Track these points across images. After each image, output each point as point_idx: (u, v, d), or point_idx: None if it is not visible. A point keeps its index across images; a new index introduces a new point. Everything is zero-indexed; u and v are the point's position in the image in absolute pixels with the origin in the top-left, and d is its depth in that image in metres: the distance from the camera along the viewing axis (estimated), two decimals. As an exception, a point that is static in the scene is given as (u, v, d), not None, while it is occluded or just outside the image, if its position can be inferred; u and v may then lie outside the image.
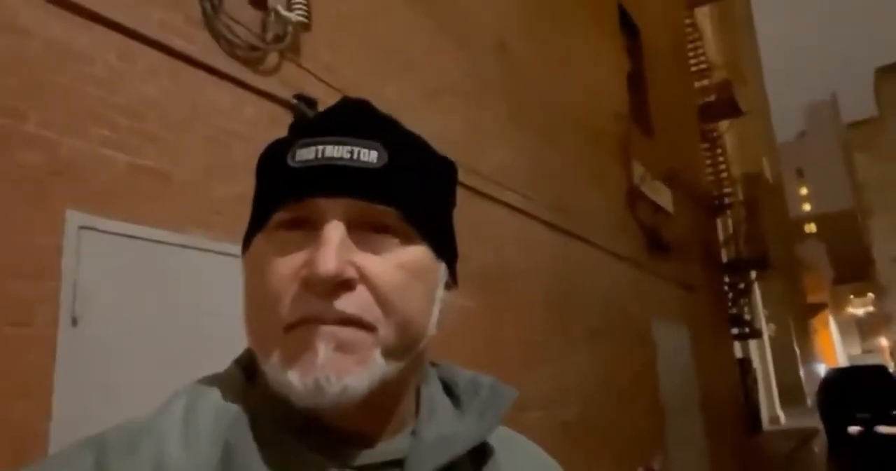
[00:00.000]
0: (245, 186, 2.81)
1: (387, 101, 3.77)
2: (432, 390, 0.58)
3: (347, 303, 0.48)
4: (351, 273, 0.48)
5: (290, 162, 0.51)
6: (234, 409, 0.50)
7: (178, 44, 2.54)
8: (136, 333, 2.21)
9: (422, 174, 0.54)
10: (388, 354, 0.49)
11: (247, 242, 0.55)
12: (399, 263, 0.50)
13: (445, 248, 0.56)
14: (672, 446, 7.39)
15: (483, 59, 4.88)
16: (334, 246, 0.47)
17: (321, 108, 3.30)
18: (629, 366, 6.67)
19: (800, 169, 71.61)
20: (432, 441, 0.53)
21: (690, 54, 12.72)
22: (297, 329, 0.47)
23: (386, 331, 0.49)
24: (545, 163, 5.57)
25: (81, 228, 2.12)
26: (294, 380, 0.46)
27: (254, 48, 2.93)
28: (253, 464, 0.47)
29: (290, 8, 3.05)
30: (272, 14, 3.00)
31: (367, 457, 0.51)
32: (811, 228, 64.09)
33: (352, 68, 3.39)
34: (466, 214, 4.45)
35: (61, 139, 2.11)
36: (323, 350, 0.46)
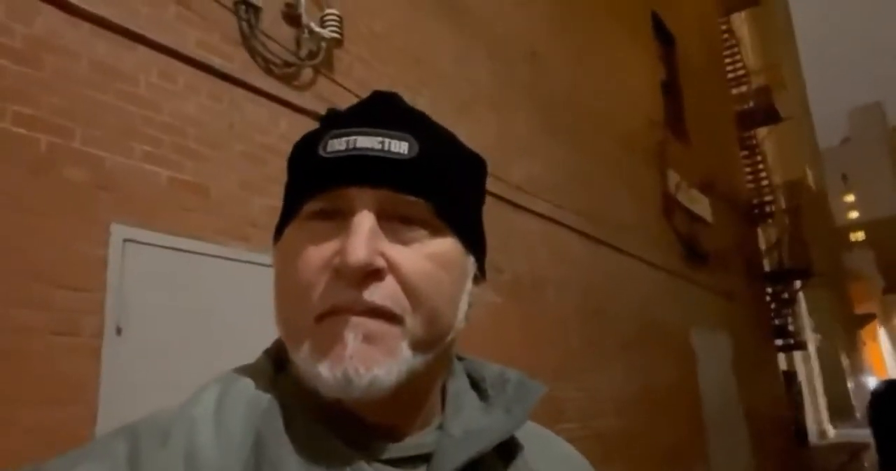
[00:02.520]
0: (280, 199, 2.88)
1: (432, 109, 3.81)
2: (459, 385, 0.58)
3: (376, 293, 0.48)
4: (380, 263, 0.48)
5: (321, 152, 0.51)
6: (265, 399, 0.51)
7: (217, 62, 2.63)
8: (177, 342, 2.28)
9: (452, 167, 0.54)
10: (416, 346, 0.49)
11: (278, 233, 0.55)
12: (428, 254, 0.50)
13: (474, 241, 0.56)
14: (715, 459, 7.22)
15: (514, 69, 4.90)
16: (365, 235, 0.47)
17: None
18: (667, 377, 6.55)
19: (845, 175, 69.60)
20: (459, 436, 0.52)
21: (727, 60, 12.54)
22: (326, 320, 0.48)
23: (413, 323, 0.49)
24: (578, 172, 5.55)
25: (126, 240, 2.20)
26: (324, 371, 0.47)
27: (288, 64, 3.01)
28: (284, 454, 0.47)
29: (323, 25, 3.13)
30: (306, 31, 3.08)
31: (394, 451, 0.51)
32: (859, 235, 62.16)
33: (384, 82, 3.45)
34: (498, 224, 4.48)
35: (106, 155, 2.20)
36: (351, 341, 0.47)
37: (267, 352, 0.57)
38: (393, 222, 0.50)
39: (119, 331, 2.12)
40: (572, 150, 5.53)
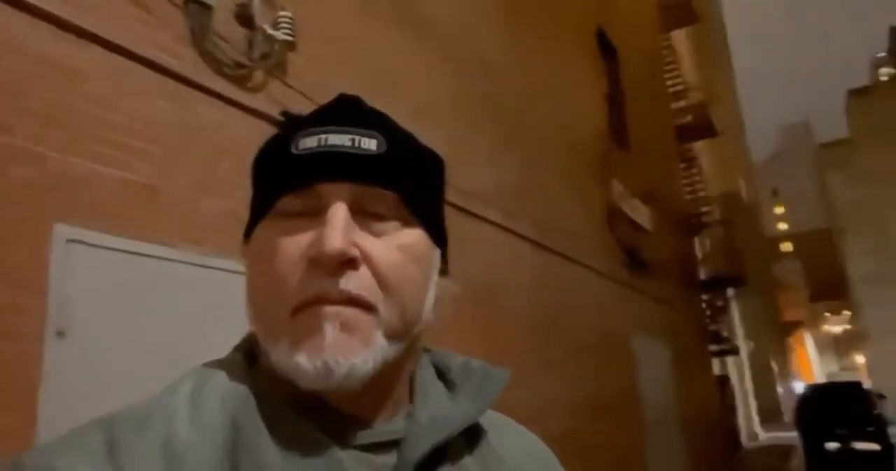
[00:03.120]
0: (233, 201, 2.85)
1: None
2: (426, 375, 0.60)
3: (352, 282, 0.49)
4: (355, 252, 0.50)
5: (293, 150, 0.52)
6: (241, 389, 0.52)
7: (168, 62, 2.58)
8: (123, 347, 2.22)
9: (417, 163, 0.57)
10: (390, 335, 0.51)
11: (248, 233, 0.56)
12: (399, 246, 0.52)
13: (440, 234, 0.59)
14: (653, 462, 7.43)
15: (468, 79, 4.97)
16: (340, 225, 0.49)
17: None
18: (613, 382, 6.72)
19: (775, 189, 72.88)
20: (427, 422, 0.55)
21: (668, 75, 13.00)
22: (303, 312, 0.49)
23: (386, 312, 0.51)
24: (530, 181, 5.66)
25: (69, 241, 2.13)
26: (303, 362, 0.48)
27: (241, 66, 2.98)
28: (261, 440, 0.48)
29: (276, 27, 3.11)
30: (259, 33, 3.05)
31: (365, 437, 0.53)
32: (787, 246, 65.06)
33: (337, 86, 3.43)
34: (454, 232, 4.48)
35: (52, 154, 2.13)
36: (329, 332, 0.48)
37: (237, 348, 0.58)
38: (364, 215, 0.52)
39: (61, 334, 2.05)
40: (524, 159, 5.64)
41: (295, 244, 0.50)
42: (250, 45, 3.05)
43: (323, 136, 0.52)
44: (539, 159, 5.97)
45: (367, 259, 0.50)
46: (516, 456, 0.62)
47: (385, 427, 0.55)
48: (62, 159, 2.15)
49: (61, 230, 2.12)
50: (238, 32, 3.01)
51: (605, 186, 7.68)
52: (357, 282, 0.50)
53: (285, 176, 0.52)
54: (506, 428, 0.65)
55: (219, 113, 2.80)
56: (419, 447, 0.52)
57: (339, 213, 0.50)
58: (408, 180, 0.54)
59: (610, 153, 8.01)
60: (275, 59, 3.12)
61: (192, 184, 2.59)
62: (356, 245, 0.50)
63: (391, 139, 0.54)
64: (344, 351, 0.48)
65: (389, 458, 0.53)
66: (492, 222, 4.85)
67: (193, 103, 2.69)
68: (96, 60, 2.33)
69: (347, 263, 0.49)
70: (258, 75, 3.08)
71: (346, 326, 0.49)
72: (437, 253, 0.58)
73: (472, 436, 0.58)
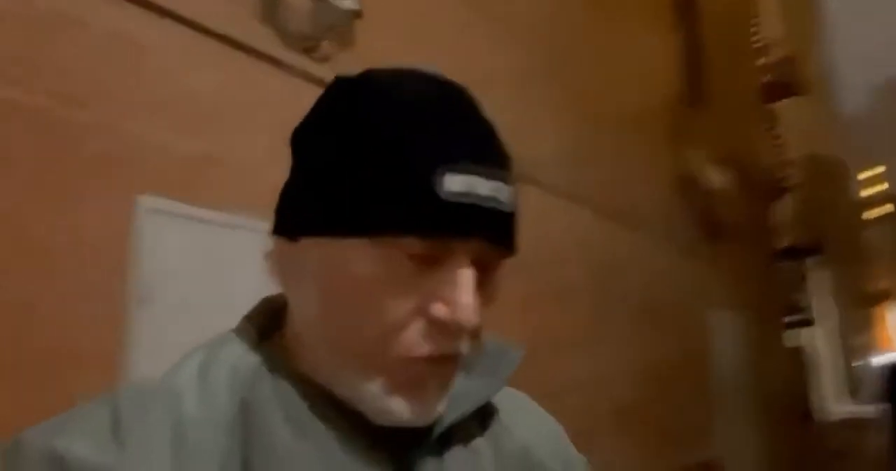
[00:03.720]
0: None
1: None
2: None
3: (466, 345, 0.50)
4: (480, 322, 0.49)
5: (437, 189, 0.46)
6: (252, 367, 0.51)
7: (239, 35, 2.64)
8: (203, 310, 2.34)
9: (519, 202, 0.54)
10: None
11: (318, 233, 0.49)
12: (487, 297, 0.51)
13: None
14: (721, 436, 7.31)
15: (532, 47, 4.85)
16: (473, 295, 0.48)
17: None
18: (681, 354, 6.61)
19: (869, 148, 68.43)
20: None
21: (751, 29, 12.26)
22: (413, 362, 0.48)
23: (466, 353, 0.51)
24: (595, 146, 5.52)
25: (151, 210, 2.25)
26: (400, 409, 0.49)
27: (308, 37, 3.01)
28: (271, 422, 0.48)
29: (344, -5, 3.11)
30: (325, 2, 3.06)
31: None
32: (887, 208, 61.19)
33: (402, 56, 3.43)
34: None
35: (131, 129, 2.23)
36: (433, 388, 0.50)
37: (248, 318, 0.56)
38: (480, 270, 0.49)
39: (144, 300, 2.19)
40: (590, 124, 5.49)
41: (414, 291, 0.48)
42: (317, 15, 3.07)
43: (471, 179, 0.47)
44: (606, 124, 5.80)
45: None
46: (528, 435, 0.61)
47: None
48: (138, 133, 2.25)
49: (143, 201, 2.24)
50: (306, 4, 3.03)
51: (677, 150, 7.41)
52: (467, 343, 0.50)
53: (427, 218, 0.46)
54: (519, 406, 0.65)
55: (287, 85, 2.85)
56: (434, 426, 0.52)
57: (470, 279, 0.48)
58: (518, 237, 0.52)
59: (683, 117, 7.69)
60: (341, 28, 3.13)
61: (263, 154, 2.67)
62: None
63: (514, 186, 0.51)
64: (440, 404, 0.51)
65: (403, 437, 0.52)
66: (552, 191, 4.78)
67: (264, 75, 2.75)
68: (166, 34, 2.40)
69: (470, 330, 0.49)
70: (325, 46, 3.10)
71: (445, 385, 0.51)
72: None
73: (483, 414, 0.58)
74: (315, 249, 0.50)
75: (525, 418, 0.63)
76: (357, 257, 0.48)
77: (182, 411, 0.47)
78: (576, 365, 4.58)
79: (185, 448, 0.45)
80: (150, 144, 2.28)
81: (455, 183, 0.46)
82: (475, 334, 0.50)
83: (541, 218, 4.53)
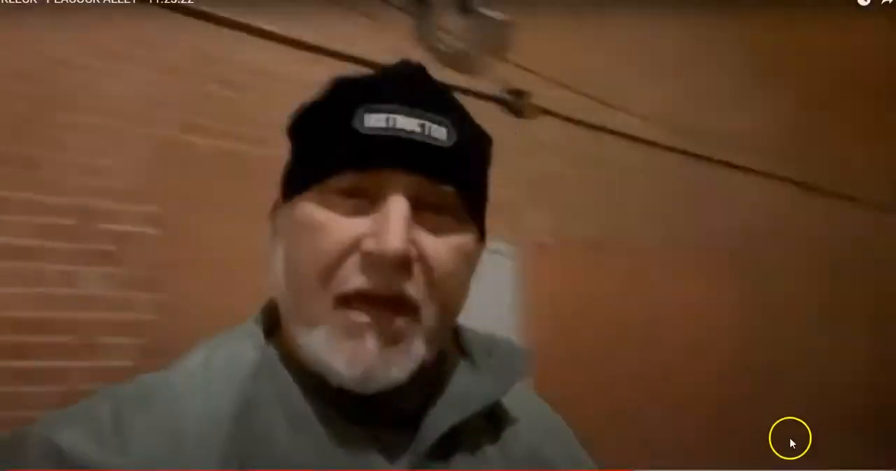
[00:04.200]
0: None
1: (611, 75, 3.70)
2: (448, 351, 0.58)
3: (404, 282, 0.47)
4: (413, 252, 0.47)
5: (357, 126, 0.49)
6: (253, 364, 0.51)
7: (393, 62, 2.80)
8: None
9: (478, 154, 0.54)
10: (429, 339, 0.49)
11: (287, 199, 0.53)
12: (455, 246, 0.50)
13: (484, 229, 0.56)
14: None
15: (718, 17, 4.52)
16: (402, 223, 0.46)
17: (533, 100, 3.37)
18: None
19: None
20: (447, 401, 0.52)
21: None
22: (349, 308, 0.47)
23: (427, 312, 0.49)
24: (797, 121, 4.96)
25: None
26: (340, 367, 0.47)
27: (463, 53, 3.10)
28: (270, 419, 0.48)
29: (491, 7, 3.17)
30: (477, 16, 3.14)
31: (381, 415, 0.51)
32: None
33: (563, 54, 3.39)
34: (714, 188, 4.17)
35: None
36: (374, 343, 0.47)
37: (254, 317, 0.57)
38: (423, 210, 0.49)
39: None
40: (796, 98, 4.95)
41: (349, 228, 0.48)
42: (470, 30, 3.16)
43: (391, 116, 0.49)
44: (810, 97, 5.17)
45: (421, 259, 0.49)
46: (536, 435, 0.59)
47: (402, 405, 0.52)
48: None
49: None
50: (457, 21, 3.13)
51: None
52: (408, 282, 0.48)
53: (347, 153, 0.49)
54: (527, 407, 0.61)
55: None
56: (437, 426, 0.50)
57: (401, 209, 0.47)
58: (470, 177, 0.52)
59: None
60: (495, 39, 3.18)
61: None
62: (413, 242, 0.48)
63: (459, 128, 0.51)
64: (386, 364, 0.47)
65: (405, 436, 0.50)
66: (750, 170, 4.36)
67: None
68: (329, 72, 2.62)
69: (403, 263, 0.47)
70: (481, 58, 3.17)
71: (389, 339, 0.47)
72: (481, 248, 0.56)
73: (491, 414, 0.56)
74: (281, 218, 0.54)
75: (533, 419, 0.61)
76: (301, 208, 0.51)
77: (182, 406, 0.47)
78: (802, 366, 4.09)
79: (185, 443, 0.45)
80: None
81: (373, 119, 0.48)
82: (406, 266, 0.47)
83: (736, 201, 4.17)
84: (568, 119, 3.43)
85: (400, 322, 0.48)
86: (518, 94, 3.26)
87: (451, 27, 3.07)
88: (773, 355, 4.07)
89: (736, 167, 4.25)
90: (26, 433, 0.45)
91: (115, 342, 2.10)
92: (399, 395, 0.50)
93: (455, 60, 3.06)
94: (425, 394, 0.53)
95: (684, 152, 3.80)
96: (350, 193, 0.49)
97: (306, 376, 0.51)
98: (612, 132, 3.60)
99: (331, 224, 0.49)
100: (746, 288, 4.00)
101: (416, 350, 0.49)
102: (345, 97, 0.51)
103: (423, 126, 0.49)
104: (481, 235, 0.55)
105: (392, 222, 0.46)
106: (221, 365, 0.51)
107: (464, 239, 0.52)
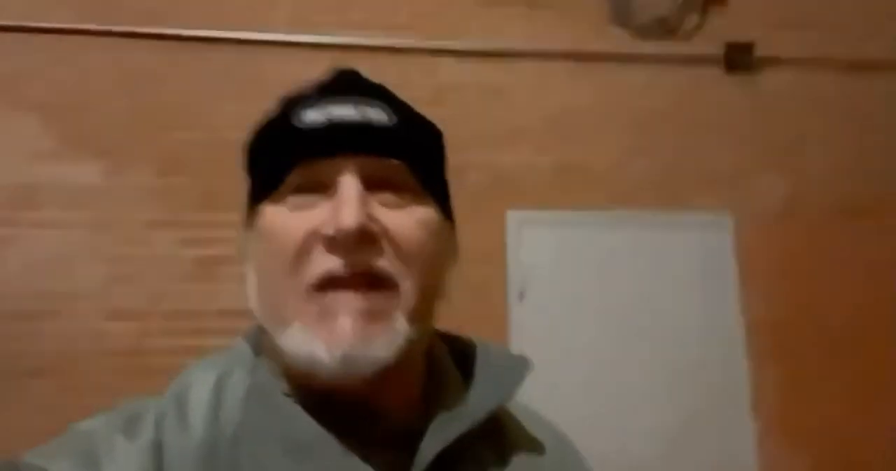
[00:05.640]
0: (661, 157, 2.89)
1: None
2: (444, 362, 0.57)
3: (372, 257, 0.47)
4: (373, 226, 0.47)
5: (295, 123, 0.50)
6: (243, 386, 0.50)
7: (591, 47, 2.84)
8: (574, 304, 2.60)
9: (425, 135, 0.55)
10: (410, 316, 0.48)
11: (251, 215, 0.53)
12: (417, 219, 0.50)
13: (449, 209, 0.56)
14: None
15: None
16: (355, 199, 0.46)
17: (758, 51, 2.98)
18: None
19: None
20: (445, 413, 0.51)
21: None
22: (320, 295, 0.47)
23: (407, 287, 0.48)
24: None
25: (520, 222, 2.65)
26: (321, 354, 0.45)
27: (665, 20, 2.94)
28: (264, 440, 0.47)
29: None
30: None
31: (381, 430, 0.50)
32: None
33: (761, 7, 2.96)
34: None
35: (498, 157, 2.69)
36: (349, 322, 0.46)
37: (245, 337, 0.57)
38: (377, 188, 0.49)
39: (521, 297, 2.58)
40: None
41: (307, 222, 0.48)
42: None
43: (326, 107, 0.50)
44: None
45: (385, 233, 0.48)
46: (535, 448, 0.58)
47: (401, 417, 0.51)
48: (503, 160, 2.69)
49: (512, 215, 2.66)
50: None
51: None
52: (377, 256, 0.47)
53: (291, 151, 0.49)
54: (525, 419, 0.61)
55: (641, 76, 2.87)
56: (437, 440, 0.49)
57: (351, 187, 0.47)
58: (419, 152, 0.52)
59: None
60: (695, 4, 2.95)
61: (622, 150, 2.77)
62: (373, 219, 0.47)
63: (398, 109, 0.52)
64: (365, 342, 0.45)
65: (405, 451, 0.49)
66: None
67: (615, 76, 2.85)
68: (520, 72, 2.79)
69: (366, 239, 0.46)
70: (685, 22, 2.97)
71: (366, 315, 0.46)
72: (450, 228, 0.56)
73: (489, 426, 0.53)
74: (248, 239, 0.54)
75: (533, 431, 0.60)
76: (261, 216, 0.51)
77: (164, 436, 0.47)
78: None
79: None
80: (513, 167, 2.70)
81: (309, 114, 0.50)
82: (370, 241, 0.47)
83: None
84: (807, 62, 2.95)
85: (377, 298, 0.47)
86: (739, 47, 2.94)
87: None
88: None
89: None
90: (18, 465, 0.45)
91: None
92: (397, 404, 0.51)
93: (657, 29, 2.93)
94: (424, 407, 0.53)
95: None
96: (304, 189, 0.49)
97: (300, 391, 0.50)
98: (865, 67, 2.97)
99: (289, 222, 0.49)
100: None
101: (399, 327, 0.47)
102: (283, 106, 0.53)
103: (358, 109, 0.50)
104: (446, 213, 0.55)
105: (344, 200, 0.46)
106: (208, 391, 0.50)
107: (426, 213, 0.51)
